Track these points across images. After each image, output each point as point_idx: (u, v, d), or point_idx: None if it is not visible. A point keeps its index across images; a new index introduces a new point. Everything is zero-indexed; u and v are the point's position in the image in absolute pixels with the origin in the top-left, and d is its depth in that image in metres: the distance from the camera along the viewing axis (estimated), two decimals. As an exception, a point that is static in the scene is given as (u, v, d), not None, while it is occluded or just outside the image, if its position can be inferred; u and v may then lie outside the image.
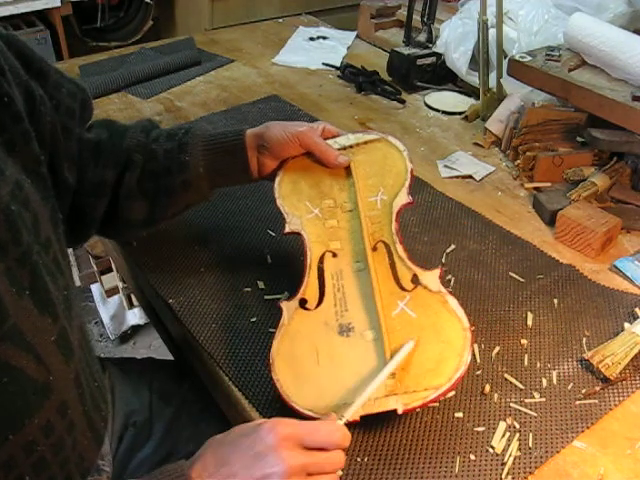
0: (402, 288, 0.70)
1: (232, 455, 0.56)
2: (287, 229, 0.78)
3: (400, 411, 0.63)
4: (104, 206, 0.79)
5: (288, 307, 0.71)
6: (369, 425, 0.68)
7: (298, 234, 0.78)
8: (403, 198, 0.77)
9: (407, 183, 0.78)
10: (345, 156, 0.81)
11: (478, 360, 0.77)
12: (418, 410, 0.70)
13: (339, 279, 0.73)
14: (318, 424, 0.59)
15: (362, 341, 0.68)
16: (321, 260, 0.75)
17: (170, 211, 0.83)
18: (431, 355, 0.65)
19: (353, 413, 0.62)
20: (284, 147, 0.80)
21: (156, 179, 0.79)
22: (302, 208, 0.80)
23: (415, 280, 0.71)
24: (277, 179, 0.82)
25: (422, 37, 1.47)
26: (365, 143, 0.83)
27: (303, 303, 0.71)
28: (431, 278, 0.70)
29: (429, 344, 0.66)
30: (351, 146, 0.83)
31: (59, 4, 2.19)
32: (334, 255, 0.75)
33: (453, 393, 0.72)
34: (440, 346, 0.65)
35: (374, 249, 0.74)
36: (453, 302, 0.68)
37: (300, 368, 0.67)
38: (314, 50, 1.66)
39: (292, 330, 0.70)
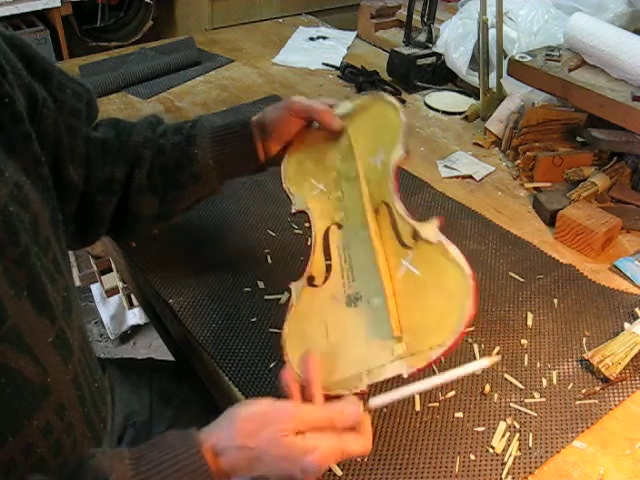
0: (404, 246, 0.69)
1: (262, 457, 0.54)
2: (293, 210, 0.78)
3: (405, 375, 0.61)
4: (114, 204, 0.79)
5: (296, 287, 0.71)
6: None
7: (304, 212, 0.77)
8: (398, 152, 0.74)
9: (401, 136, 0.75)
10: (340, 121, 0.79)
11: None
12: (423, 414, 0.70)
13: (346, 249, 0.72)
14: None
15: (369, 309, 0.67)
16: (326, 234, 0.75)
17: (181, 205, 0.83)
18: (434, 311, 0.63)
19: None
20: (283, 123, 0.79)
21: (166, 174, 0.79)
22: (306, 186, 0.79)
23: (415, 235, 0.69)
24: (283, 163, 0.82)
25: (422, 37, 1.47)
26: (362, 108, 0.81)
27: (311, 280, 0.71)
28: (430, 230, 0.67)
29: (432, 300, 0.64)
30: (349, 114, 0.81)
31: (59, 4, 2.19)
32: (339, 227, 0.75)
33: (453, 393, 0.72)
34: (442, 299, 0.63)
35: (377, 211, 0.73)
36: (454, 251, 0.65)
37: (310, 346, 0.66)
38: (314, 50, 1.66)
39: (301, 309, 0.69)
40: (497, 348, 0.78)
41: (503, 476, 0.64)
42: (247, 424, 0.54)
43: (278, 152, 0.82)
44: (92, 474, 0.50)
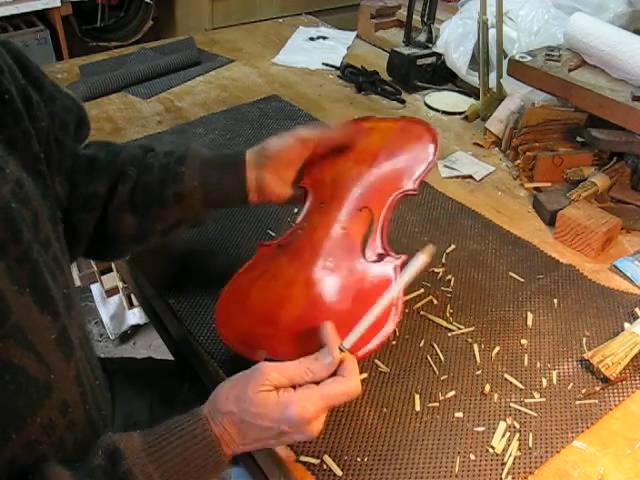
0: None
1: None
2: None
3: None
4: (93, 222, 0.76)
5: None
6: (369, 425, 0.68)
7: None
8: None
9: None
10: None
11: (478, 360, 0.77)
12: (422, 410, 0.70)
13: None
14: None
15: None
16: None
17: (160, 225, 0.78)
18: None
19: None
20: (286, 148, 0.78)
21: (149, 191, 0.76)
22: None
23: None
24: None
25: (422, 37, 1.47)
26: None
27: None
28: None
29: None
30: None
31: (59, 4, 2.19)
32: None
33: (453, 393, 0.72)
34: None
35: None
36: None
37: None
38: (314, 50, 1.66)
39: None
40: (497, 348, 0.78)
41: (503, 476, 0.64)
42: (227, 390, 0.60)
43: (272, 185, 0.79)
44: (104, 447, 0.56)
